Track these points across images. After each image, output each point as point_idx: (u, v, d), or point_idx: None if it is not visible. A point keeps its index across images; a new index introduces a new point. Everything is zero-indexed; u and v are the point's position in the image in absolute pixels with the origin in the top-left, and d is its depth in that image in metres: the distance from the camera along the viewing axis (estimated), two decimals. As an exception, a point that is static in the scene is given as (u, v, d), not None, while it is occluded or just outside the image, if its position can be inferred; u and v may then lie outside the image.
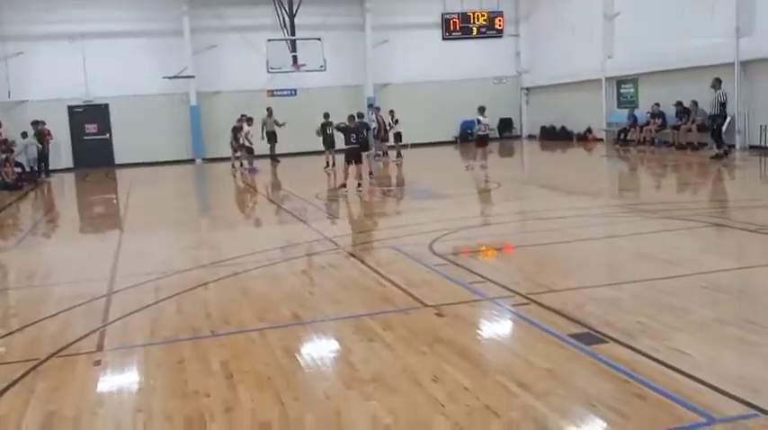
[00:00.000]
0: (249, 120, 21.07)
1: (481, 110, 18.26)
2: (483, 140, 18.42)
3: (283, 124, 22.92)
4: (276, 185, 18.66)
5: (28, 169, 21.94)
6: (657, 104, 21.45)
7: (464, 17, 28.84)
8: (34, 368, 5.02)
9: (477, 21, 29.05)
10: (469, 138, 28.60)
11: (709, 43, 19.08)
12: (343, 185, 14.20)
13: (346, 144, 14.53)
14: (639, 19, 22.51)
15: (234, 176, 20.85)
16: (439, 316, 5.78)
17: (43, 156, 22.86)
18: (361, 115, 17.59)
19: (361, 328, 5.54)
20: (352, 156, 14.46)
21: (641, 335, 4.98)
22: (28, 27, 24.76)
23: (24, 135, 22.04)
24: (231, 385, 4.54)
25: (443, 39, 28.85)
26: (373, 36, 27.96)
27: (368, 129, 16.97)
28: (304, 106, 26.43)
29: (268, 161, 23.20)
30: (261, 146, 22.40)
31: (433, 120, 28.15)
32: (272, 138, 23.53)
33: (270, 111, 23.72)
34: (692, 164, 17.27)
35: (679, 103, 20.48)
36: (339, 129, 15.30)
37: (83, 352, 5.37)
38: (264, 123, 23.78)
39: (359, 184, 14.38)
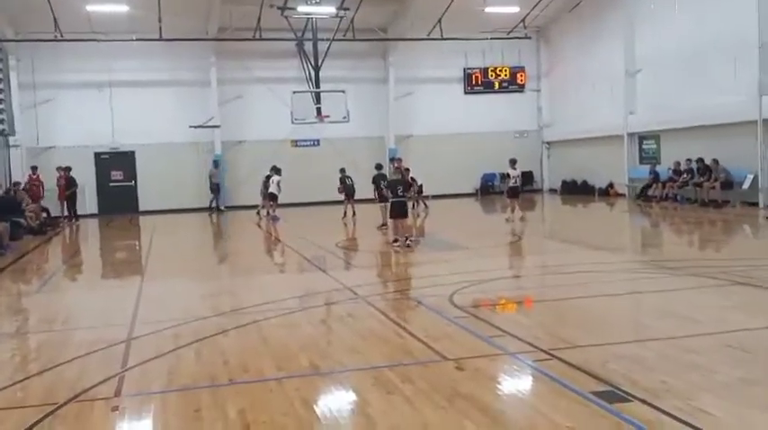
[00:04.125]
0: (278, 171, 21.35)
1: (512, 162, 18.67)
2: (514, 192, 18.59)
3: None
4: (296, 234, 18.70)
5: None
6: (687, 161, 21.38)
7: (486, 72, 29.33)
8: (52, 413, 4.99)
9: (499, 75, 29.54)
10: (490, 191, 28.83)
11: (731, 101, 19.10)
12: (396, 241, 13.61)
13: (394, 197, 13.71)
14: (661, 75, 22.67)
15: (259, 225, 20.93)
16: (459, 370, 5.70)
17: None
18: (380, 166, 17.70)
19: (380, 380, 5.47)
20: (402, 210, 13.79)
21: (666, 394, 4.87)
22: (58, 75, 25.43)
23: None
24: (248, 435, 4.48)
25: (465, 92, 29.31)
26: (396, 89, 28.35)
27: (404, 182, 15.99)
28: (326, 156, 26.73)
29: (290, 210, 23.24)
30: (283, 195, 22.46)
31: (455, 173, 28.30)
32: (215, 190, 25.95)
33: (216, 163, 25.28)
34: (716, 221, 17.11)
35: (700, 160, 20.48)
36: (390, 182, 14.48)
37: (101, 397, 5.34)
38: (211, 175, 25.86)
39: (407, 238, 13.65)
